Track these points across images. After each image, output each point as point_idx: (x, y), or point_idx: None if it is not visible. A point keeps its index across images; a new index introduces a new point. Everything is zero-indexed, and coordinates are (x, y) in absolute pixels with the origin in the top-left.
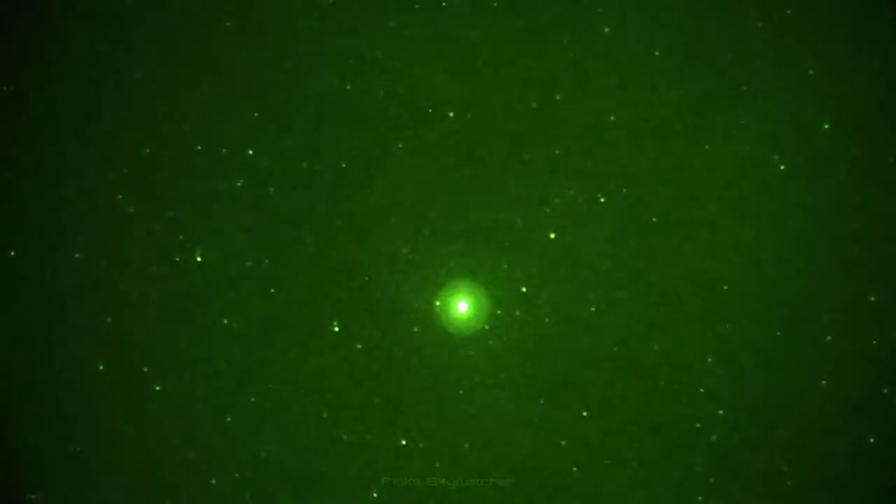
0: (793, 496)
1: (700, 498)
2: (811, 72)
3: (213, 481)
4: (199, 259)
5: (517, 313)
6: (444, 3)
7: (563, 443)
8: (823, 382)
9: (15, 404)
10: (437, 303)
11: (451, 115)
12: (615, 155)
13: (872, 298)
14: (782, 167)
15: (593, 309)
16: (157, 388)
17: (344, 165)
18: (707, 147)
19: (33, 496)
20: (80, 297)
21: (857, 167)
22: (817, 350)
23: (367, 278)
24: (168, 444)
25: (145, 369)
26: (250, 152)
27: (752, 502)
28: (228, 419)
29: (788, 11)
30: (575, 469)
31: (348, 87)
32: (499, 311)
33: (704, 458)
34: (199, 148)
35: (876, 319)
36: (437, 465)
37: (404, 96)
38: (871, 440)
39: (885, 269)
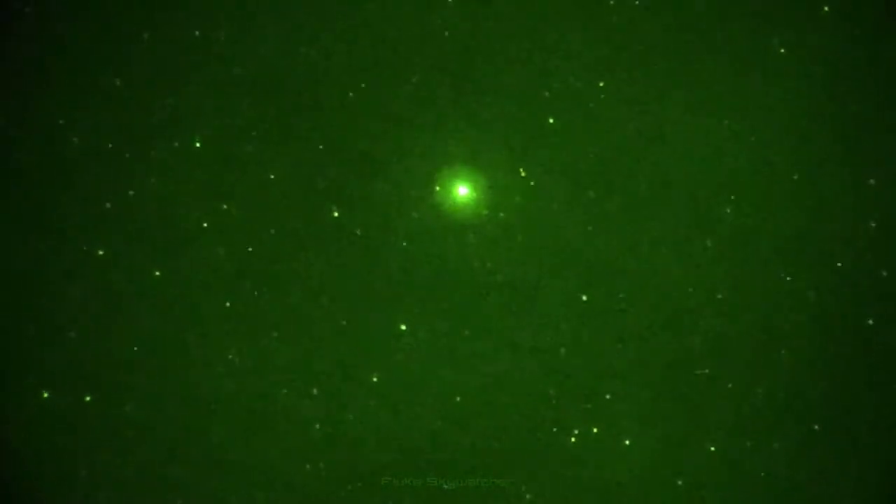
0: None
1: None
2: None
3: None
4: (198, 145)
5: (517, 199)
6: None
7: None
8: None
9: (11, 297)
10: (437, 188)
11: (450, 0)
12: (614, 38)
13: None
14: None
15: (592, 194)
16: (157, 273)
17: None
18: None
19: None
20: (78, 181)
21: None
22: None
23: (366, 163)
24: (166, 338)
25: (144, 251)
26: (248, 39)
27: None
28: (227, 304)
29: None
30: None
31: None
32: (499, 196)
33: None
34: (198, 34)
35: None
36: (436, 352)
37: None
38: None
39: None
